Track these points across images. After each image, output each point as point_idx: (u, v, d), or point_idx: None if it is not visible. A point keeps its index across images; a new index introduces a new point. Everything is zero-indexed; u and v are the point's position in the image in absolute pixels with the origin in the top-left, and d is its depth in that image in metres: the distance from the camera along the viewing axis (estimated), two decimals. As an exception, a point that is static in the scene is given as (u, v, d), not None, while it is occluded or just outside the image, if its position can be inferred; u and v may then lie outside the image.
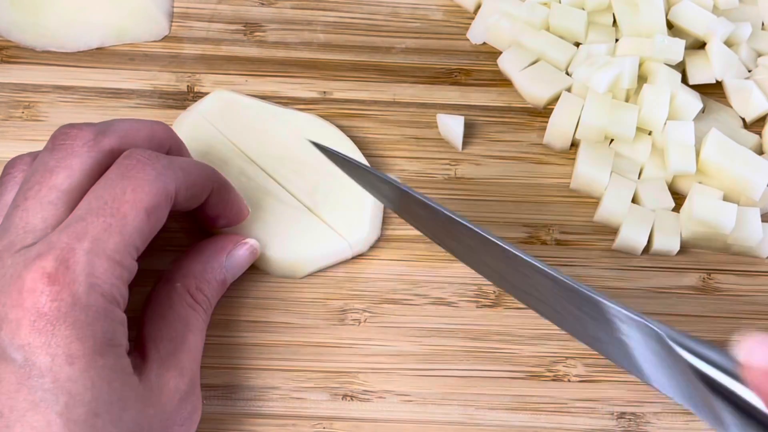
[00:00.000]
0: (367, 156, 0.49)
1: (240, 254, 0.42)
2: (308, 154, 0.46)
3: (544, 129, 0.50)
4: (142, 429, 0.35)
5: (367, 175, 0.42)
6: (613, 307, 0.35)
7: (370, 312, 0.45)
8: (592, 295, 0.36)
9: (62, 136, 0.37)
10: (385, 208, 0.46)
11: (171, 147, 0.41)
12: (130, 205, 0.35)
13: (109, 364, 0.34)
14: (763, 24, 0.53)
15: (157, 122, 0.41)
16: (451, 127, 0.49)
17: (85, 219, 0.35)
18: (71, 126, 0.38)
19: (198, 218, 0.43)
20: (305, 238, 0.45)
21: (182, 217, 0.44)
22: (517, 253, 0.38)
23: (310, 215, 0.46)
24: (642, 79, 0.50)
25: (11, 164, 0.40)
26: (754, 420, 0.30)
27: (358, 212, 0.46)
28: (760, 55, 0.52)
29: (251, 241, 0.43)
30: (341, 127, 0.49)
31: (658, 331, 0.34)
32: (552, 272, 0.37)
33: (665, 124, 0.48)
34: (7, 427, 0.33)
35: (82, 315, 0.34)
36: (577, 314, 0.38)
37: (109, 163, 0.37)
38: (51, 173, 0.36)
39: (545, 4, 0.52)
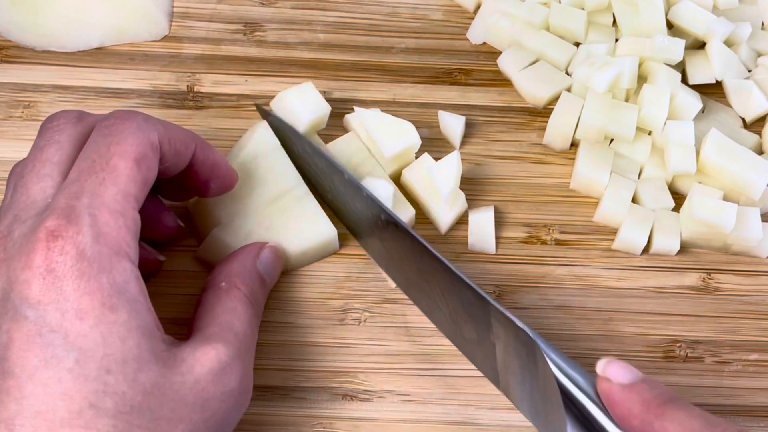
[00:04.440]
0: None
1: (266, 255, 0.43)
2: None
3: (544, 129, 0.50)
4: (164, 394, 0.35)
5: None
6: (498, 310, 0.39)
7: (370, 312, 0.45)
8: (483, 294, 0.40)
9: (48, 120, 0.39)
10: None
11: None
12: (118, 157, 0.36)
13: (122, 320, 0.34)
14: (763, 24, 0.53)
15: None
16: (452, 125, 0.49)
17: (78, 180, 0.36)
18: (56, 112, 0.40)
19: (192, 188, 0.43)
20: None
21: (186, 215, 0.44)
22: (416, 237, 0.42)
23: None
24: (642, 79, 0.50)
25: (19, 164, 0.40)
26: (593, 430, 0.37)
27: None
28: (760, 55, 0.52)
29: (271, 243, 0.44)
30: (340, 127, 0.49)
31: (536, 340, 0.38)
32: (450, 266, 0.41)
33: (665, 124, 0.48)
34: (18, 387, 0.33)
35: (88, 267, 0.34)
36: (457, 310, 0.42)
37: None
38: (41, 151, 0.38)
39: (545, 4, 0.52)
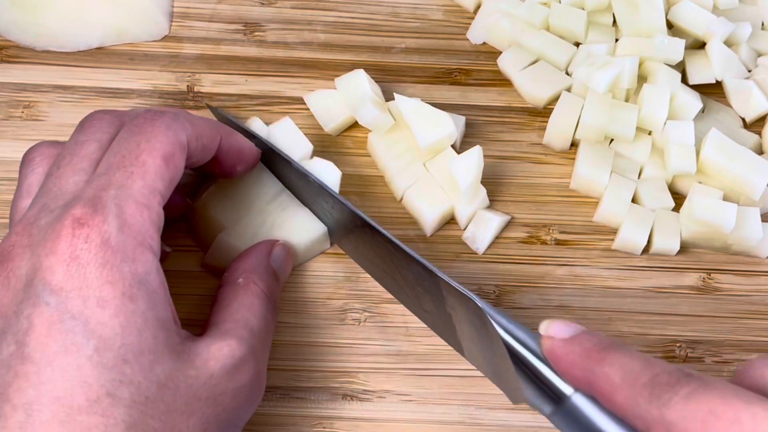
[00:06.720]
0: (365, 155, 0.49)
1: (278, 252, 0.44)
2: None
3: (544, 129, 0.50)
4: (178, 387, 0.35)
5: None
6: (445, 281, 0.39)
7: (370, 312, 0.45)
8: (431, 267, 0.40)
9: (90, 117, 0.40)
10: None
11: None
12: (147, 154, 0.37)
13: (140, 311, 0.35)
14: (763, 24, 0.53)
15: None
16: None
17: (107, 173, 0.37)
18: (96, 112, 0.40)
19: (217, 173, 0.44)
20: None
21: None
22: (366, 218, 0.42)
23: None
24: (642, 79, 0.50)
25: (31, 151, 0.41)
26: (544, 387, 0.36)
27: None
28: (760, 55, 0.52)
29: (281, 242, 0.45)
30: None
31: (481, 306, 0.38)
32: (399, 243, 0.41)
33: (665, 124, 0.48)
34: (36, 372, 0.33)
35: (112, 256, 0.34)
36: (415, 286, 0.42)
37: None
38: (81, 146, 0.38)
39: (545, 4, 0.52)
